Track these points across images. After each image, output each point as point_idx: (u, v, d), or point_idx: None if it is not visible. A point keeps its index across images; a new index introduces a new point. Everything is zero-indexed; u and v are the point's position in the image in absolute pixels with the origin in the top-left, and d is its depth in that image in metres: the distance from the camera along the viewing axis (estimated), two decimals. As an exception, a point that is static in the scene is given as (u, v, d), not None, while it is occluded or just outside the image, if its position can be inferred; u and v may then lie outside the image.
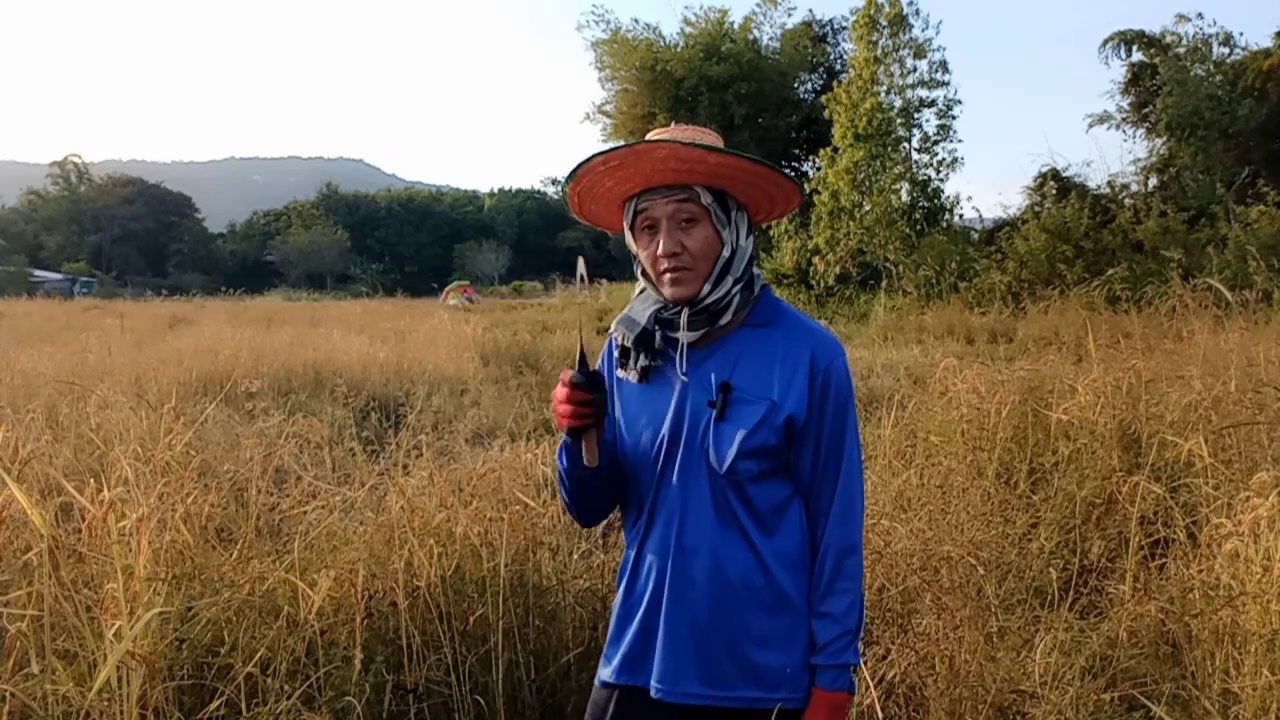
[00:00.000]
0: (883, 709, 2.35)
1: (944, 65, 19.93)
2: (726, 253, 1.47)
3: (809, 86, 27.70)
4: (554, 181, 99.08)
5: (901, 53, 19.73)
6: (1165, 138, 19.13)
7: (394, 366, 9.26)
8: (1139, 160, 20.60)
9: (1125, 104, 21.16)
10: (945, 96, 19.89)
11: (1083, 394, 4.13)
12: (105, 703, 2.01)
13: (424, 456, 3.32)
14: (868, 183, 19.27)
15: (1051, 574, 3.05)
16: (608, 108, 27.11)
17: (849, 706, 1.49)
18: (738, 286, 1.47)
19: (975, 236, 19.31)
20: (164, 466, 2.99)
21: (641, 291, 1.54)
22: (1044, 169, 19.43)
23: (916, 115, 19.79)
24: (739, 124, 24.60)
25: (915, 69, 19.81)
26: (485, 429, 6.01)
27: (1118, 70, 21.25)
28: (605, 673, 1.55)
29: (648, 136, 1.48)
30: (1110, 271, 13.35)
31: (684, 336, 1.46)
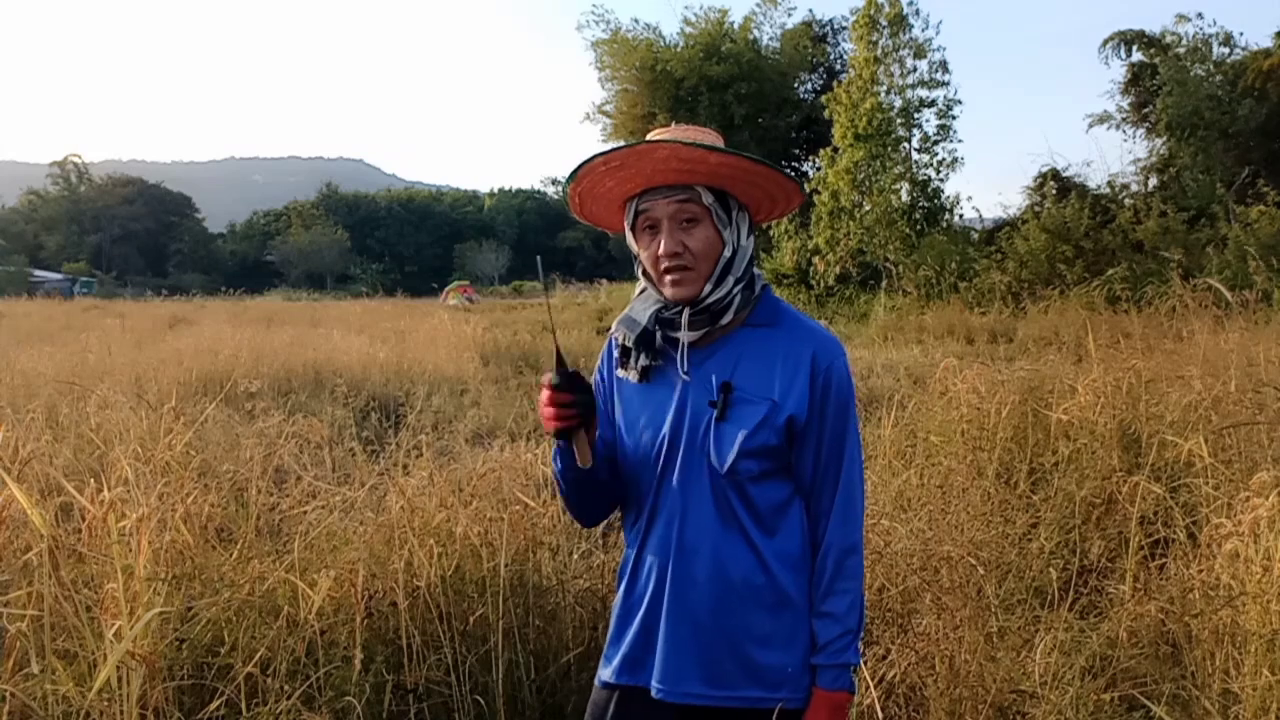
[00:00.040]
0: (883, 709, 2.35)
1: (944, 65, 19.93)
2: (728, 253, 1.47)
3: (809, 86, 27.70)
4: (554, 181, 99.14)
5: (901, 53, 19.73)
6: (1165, 138, 19.12)
7: (394, 366, 9.26)
8: (1139, 160, 20.63)
9: (1125, 104, 21.16)
10: (945, 96, 19.90)
11: (1083, 394, 4.13)
12: (105, 703, 2.01)
13: (424, 456, 3.32)
14: (868, 183, 19.26)
15: (1051, 574, 3.05)
16: (608, 108, 27.12)
17: (849, 706, 1.49)
18: (739, 286, 1.47)
19: (975, 236, 19.30)
20: (164, 466, 2.99)
21: (642, 291, 1.54)
22: (1044, 169, 19.44)
23: (916, 115, 19.78)
24: (739, 124, 24.60)
25: (915, 69, 19.81)
26: (485, 429, 6.01)
27: (1118, 70, 21.27)
28: (605, 673, 1.54)
29: (648, 137, 1.48)
30: (1110, 271, 13.35)
31: (685, 336, 1.46)
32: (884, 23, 19.60)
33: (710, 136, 1.47)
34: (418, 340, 11.69)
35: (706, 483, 1.45)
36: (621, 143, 1.57)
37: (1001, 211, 20.57)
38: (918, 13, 19.72)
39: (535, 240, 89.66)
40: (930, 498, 3.45)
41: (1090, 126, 21.68)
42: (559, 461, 1.51)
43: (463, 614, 2.64)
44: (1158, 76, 19.12)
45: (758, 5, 26.57)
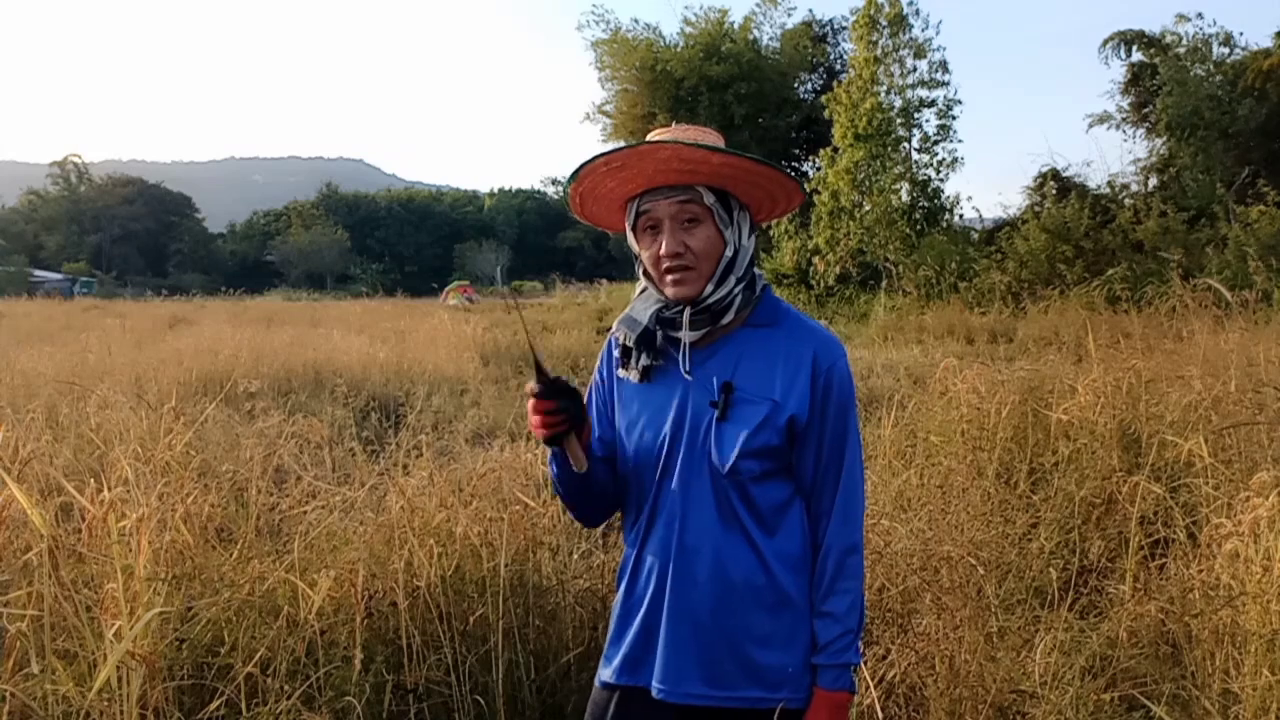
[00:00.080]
0: (883, 709, 2.35)
1: (944, 65, 19.94)
2: (730, 252, 1.47)
3: (809, 86, 27.71)
4: (554, 181, 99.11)
5: (901, 53, 19.73)
6: (1165, 138, 19.12)
7: (394, 366, 9.25)
8: (1139, 160, 20.63)
9: (1125, 104, 21.16)
10: (945, 96, 19.91)
11: (1083, 394, 4.13)
12: (105, 703, 2.01)
13: (424, 456, 3.32)
14: (868, 183, 19.27)
15: (1051, 574, 3.05)
16: (608, 108, 27.14)
17: (850, 706, 1.49)
18: (740, 286, 1.47)
19: (975, 236, 19.30)
20: (164, 466, 2.99)
21: (643, 291, 1.54)
22: (1044, 169, 19.45)
23: (916, 115, 19.79)
24: (739, 124, 24.61)
25: (915, 69, 19.82)
26: (485, 429, 6.00)
27: (1118, 70, 21.27)
28: (605, 673, 1.54)
29: (649, 137, 1.48)
30: (1110, 271, 13.35)
31: (686, 336, 1.46)
32: (884, 23, 19.61)
33: (711, 137, 1.47)
34: (418, 340, 11.69)
35: (707, 483, 1.45)
36: (622, 143, 1.57)
37: (1001, 211, 20.60)
38: (918, 13, 19.76)
39: (535, 240, 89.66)
40: (930, 498, 3.45)
41: (1090, 126, 21.71)
42: (555, 467, 1.51)
43: (463, 614, 2.64)
44: (1158, 76, 19.12)
45: (758, 5, 26.61)
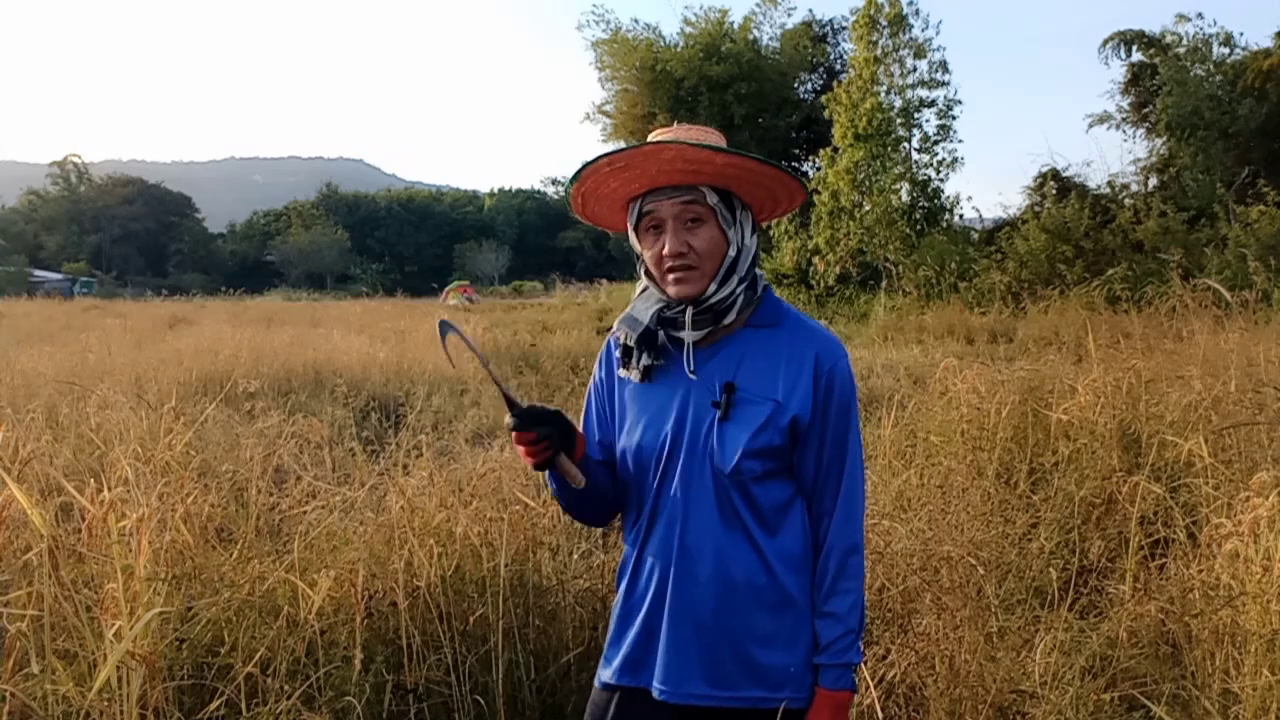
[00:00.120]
0: (883, 709, 2.35)
1: (944, 65, 19.95)
2: (733, 252, 1.47)
3: (809, 86, 27.70)
4: (554, 181, 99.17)
5: (901, 53, 19.74)
6: (1165, 138, 19.12)
7: (394, 366, 9.26)
8: (1139, 160, 20.61)
9: (1125, 104, 21.15)
10: (945, 96, 19.92)
11: (1083, 394, 4.13)
12: (105, 703, 2.01)
13: (424, 456, 3.32)
14: (868, 183, 19.27)
15: (1051, 574, 3.05)
16: (608, 108, 27.13)
17: (851, 705, 1.49)
18: (742, 286, 1.47)
19: (975, 236, 19.30)
20: (164, 466, 2.99)
21: (643, 291, 1.54)
22: (1044, 169, 19.44)
23: (916, 115, 19.79)
24: (739, 124, 24.60)
25: (915, 69, 19.82)
26: (485, 429, 6.00)
27: (1118, 70, 21.26)
28: (605, 674, 1.54)
29: (651, 137, 1.47)
30: (1110, 271, 13.34)
31: (689, 335, 1.46)
32: (884, 23, 19.61)
33: (713, 137, 1.47)
34: (418, 340, 11.68)
35: (709, 483, 1.45)
36: (622, 143, 1.56)
37: (1001, 211, 20.59)
38: (918, 13, 19.75)
39: (535, 240, 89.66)
40: (930, 498, 3.45)
41: (1090, 126, 21.69)
42: (553, 484, 1.52)
43: (463, 614, 2.64)
44: (1158, 76, 19.11)
45: (758, 5, 26.60)
